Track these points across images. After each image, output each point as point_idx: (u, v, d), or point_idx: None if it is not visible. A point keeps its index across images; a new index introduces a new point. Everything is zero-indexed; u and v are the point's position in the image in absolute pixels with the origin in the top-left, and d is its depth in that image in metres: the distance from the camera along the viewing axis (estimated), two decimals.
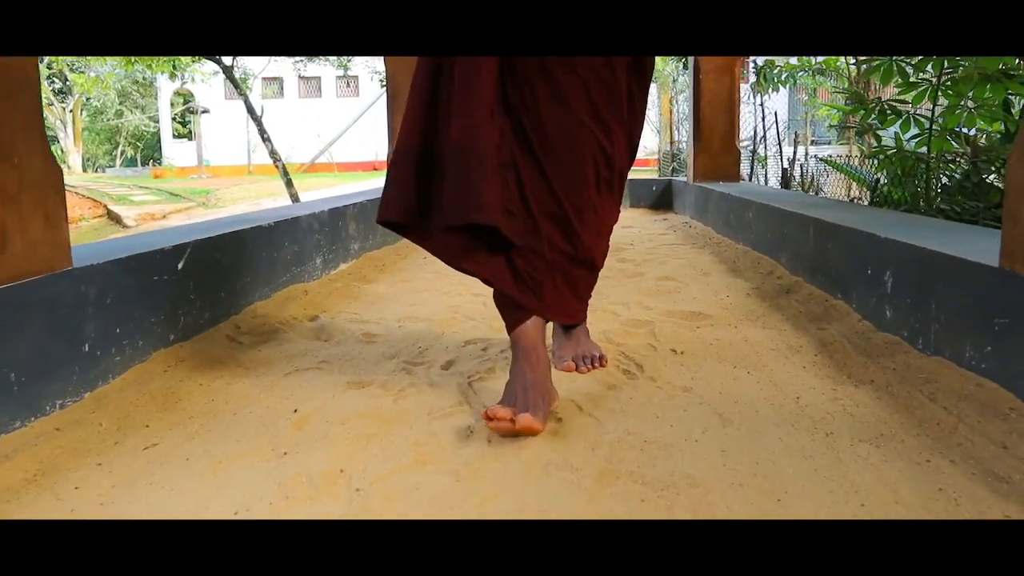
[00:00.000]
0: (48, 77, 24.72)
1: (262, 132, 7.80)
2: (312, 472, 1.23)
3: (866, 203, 4.63)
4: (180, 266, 1.96)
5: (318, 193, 10.12)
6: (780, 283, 2.69)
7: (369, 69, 17.63)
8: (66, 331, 1.52)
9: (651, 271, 3.14)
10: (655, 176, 8.93)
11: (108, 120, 31.62)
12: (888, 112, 4.60)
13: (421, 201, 1.49)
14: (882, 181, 4.19)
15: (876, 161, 4.84)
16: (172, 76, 14.39)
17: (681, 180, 6.19)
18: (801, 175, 5.82)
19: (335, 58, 9.13)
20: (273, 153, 8.02)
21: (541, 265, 1.52)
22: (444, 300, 2.61)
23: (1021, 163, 1.37)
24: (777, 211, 3.09)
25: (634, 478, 1.19)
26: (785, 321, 2.23)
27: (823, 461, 1.24)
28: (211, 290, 2.11)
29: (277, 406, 1.55)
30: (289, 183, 8.24)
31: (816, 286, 2.48)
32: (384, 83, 10.37)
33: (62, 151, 27.92)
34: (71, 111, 28.15)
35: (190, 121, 27.21)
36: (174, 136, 26.43)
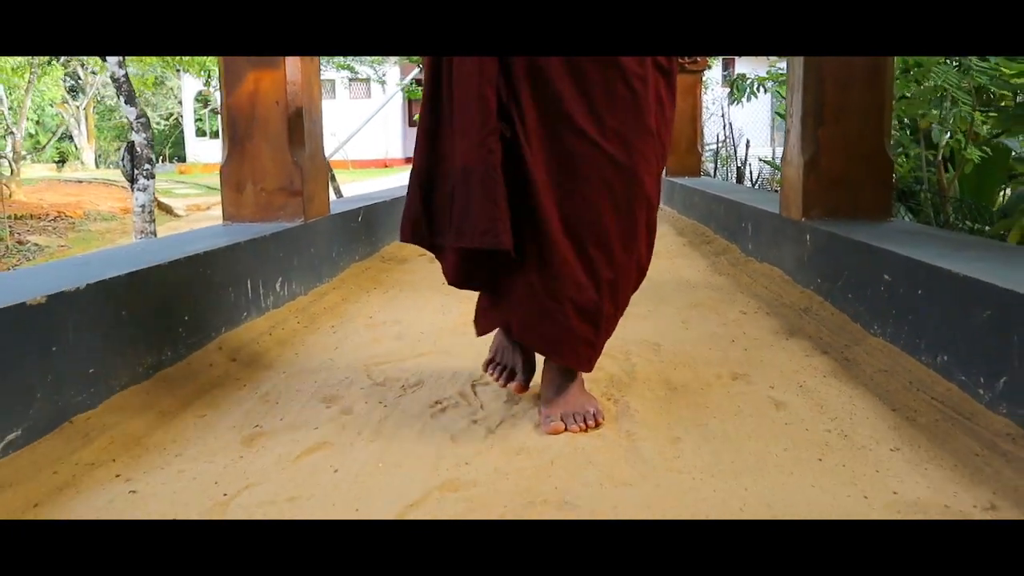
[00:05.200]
0: (63, 76, 26.29)
1: None
2: (467, 307, 2.82)
3: None
4: (359, 219, 3.55)
5: (346, 188, 11.70)
6: (705, 239, 4.29)
7: (379, 73, 19.41)
8: (329, 245, 3.10)
9: None
10: None
11: (120, 118, 33.15)
12: None
13: (430, 222, 1.53)
14: None
15: None
16: (199, 74, 15.88)
17: None
18: (749, 172, 7.44)
19: (369, 60, 10.57)
20: None
21: (520, 288, 1.48)
22: None
23: (785, 163, 2.96)
24: (709, 195, 4.69)
25: None
26: (699, 256, 3.84)
27: (685, 293, 2.85)
28: (369, 235, 3.70)
29: (434, 283, 3.14)
30: (332, 178, 9.86)
31: (723, 238, 4.08)
32: (406, 88, 11.86)
33: (76, 148, 29.43)
34: (84, 109, 29.63)
35: (200, 119, 28.80)
36: (197, 134, 27.98)
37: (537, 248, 1.44)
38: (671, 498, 1.21)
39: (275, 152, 2.82)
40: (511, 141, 1.43)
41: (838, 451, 1.39)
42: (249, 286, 2.35)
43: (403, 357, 2.05)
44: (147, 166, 6.84)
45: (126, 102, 6.80)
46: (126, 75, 6.78)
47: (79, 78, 27.63)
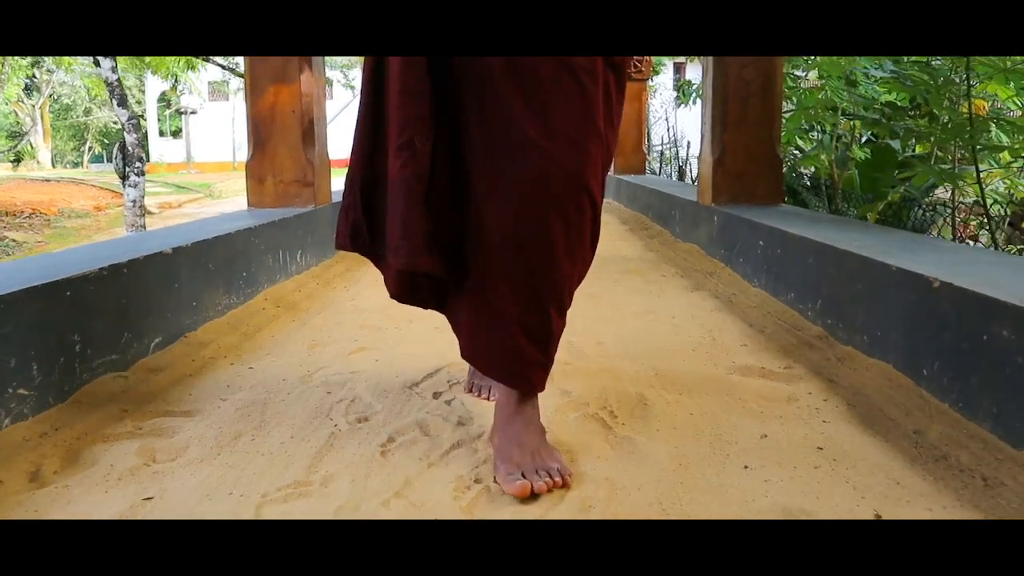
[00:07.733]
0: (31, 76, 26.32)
1: None
2: None
3: None
4: None
5: None
6: (643, 225, 5.05)
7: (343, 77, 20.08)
8: (333, 227, 3.76)
9: None
10: None
11: (76, 117, 33.02)
12: None
13: (371, 228, 1.46)
14: None
15: None
16: (167, 76, 16.24)
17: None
18: (689, 170, 8.27)
19: (339, 64, 11.18)
20: None
21: (466, 305, 1.40)
22: None
23: (701, 161, 3.71)
24: (647, 189, 5.46)
25: None
26: (636, 239, 4.59)
27: (620, 264, 3.58)
28: None
29: None
30: None
31: (659, 225, 4.84)
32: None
33: (31, 147, 29.35)
34: (39, 108, 29.52)
35: (162, 120, 29.00)
36: (160, 134, 28.17)
37: (481, 262, 1.34)
38: (597, 368, 1.93)
39: (291, 151, 3.49)
40: (449, 147, 1.33)
41: (706, 345, 2.12)
42: (280, 255, 3.01)
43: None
44: (138, 164, 7.40)
45: (119, 105, 7.35)
46: (119, 79, 7.33)
47: (35, 77, 27.58)
